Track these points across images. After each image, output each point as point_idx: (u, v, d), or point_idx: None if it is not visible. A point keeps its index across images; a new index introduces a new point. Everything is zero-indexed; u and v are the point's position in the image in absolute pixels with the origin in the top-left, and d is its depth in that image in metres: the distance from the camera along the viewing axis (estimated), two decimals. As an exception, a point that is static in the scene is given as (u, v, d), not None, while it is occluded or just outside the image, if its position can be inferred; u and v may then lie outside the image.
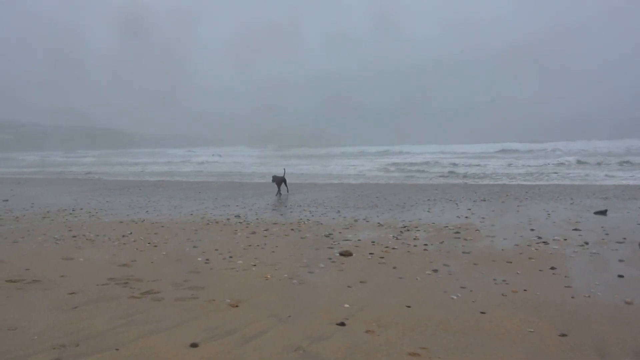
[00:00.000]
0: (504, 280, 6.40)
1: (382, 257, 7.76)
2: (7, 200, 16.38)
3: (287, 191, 18.15)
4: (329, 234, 9.67)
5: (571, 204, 13.92)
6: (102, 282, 6.40)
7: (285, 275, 6.69)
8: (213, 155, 62.16)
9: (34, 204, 15.40)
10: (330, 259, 7.70)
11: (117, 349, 4.22)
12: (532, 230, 9.87)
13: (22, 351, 4.15)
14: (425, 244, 8.67)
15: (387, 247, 8.50)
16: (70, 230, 10.49)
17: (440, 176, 25.90)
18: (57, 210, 13.81)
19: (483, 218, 11.48)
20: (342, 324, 4.81)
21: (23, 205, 15.09)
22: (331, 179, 25.24)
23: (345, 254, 7.92)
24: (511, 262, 7.39)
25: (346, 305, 5.38)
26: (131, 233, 10.14)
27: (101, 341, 4.39)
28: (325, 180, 24.80)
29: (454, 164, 32.90)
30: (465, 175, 25.69)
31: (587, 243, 8.57)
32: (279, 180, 18.32)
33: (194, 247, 8.72)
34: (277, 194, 17.89)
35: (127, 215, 12.82)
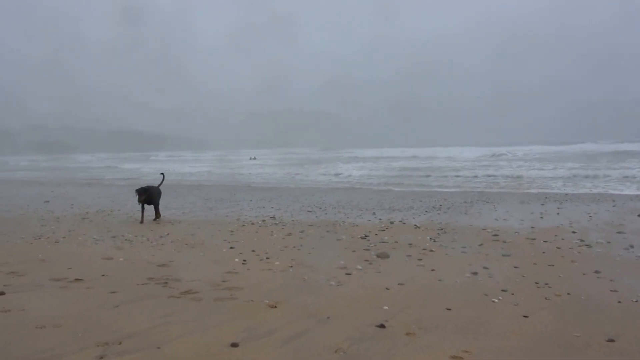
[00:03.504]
0: (547, 284, 6.27)
1: (420, 259, 7.69)
2: (48, 202, 16.71)
3: (157, 215, 12.59)
4: (365, 236, 9.62)
5: (613, 206, 13.65)
6: (141, 281, 6.46)
7: (323, 277, 6.67)
8: (250, 158, 62.72)
9: (74, 205, 15.68)
10: (367, 260, 7.66)
11: (158, 348, 4.25)
12: (574, 232, 9.69)
13: (67, 348, 4.20)
14: (464, 246, 8.57)
15: (424, 249, 8.43)
16: (109, 231, 10.65)
17: (474, 177, 25.56)
18: (95, 212, 14.04)
19: (522, 220, 11.31)
20: (382, 326, 4.77)
21: (63, 206, 15.38)
22: (362, 180, 25.12)
23: (383, 255, 7.87)
24: (553, 265, 7.25)
25: (385, 307, 5.33)
26: (168, 234, 10.24)
27: (143, 339, 4.43)
28: (359, 181, 24.69)
29: (488, 166, 32.54)
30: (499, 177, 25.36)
31: (632, 246, 8.38)
32: (146, 192, 12.33)
33: (231, 248, 8.76)
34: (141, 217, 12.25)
35: (163, 216, 12.94)
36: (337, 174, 29.51)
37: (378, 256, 7.87)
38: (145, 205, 12.34)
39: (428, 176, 26.11)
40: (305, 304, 5.51)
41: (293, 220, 11.90)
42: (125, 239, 9.69)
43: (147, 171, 39.15)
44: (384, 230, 10.27)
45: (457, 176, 25.93)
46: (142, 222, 12.02)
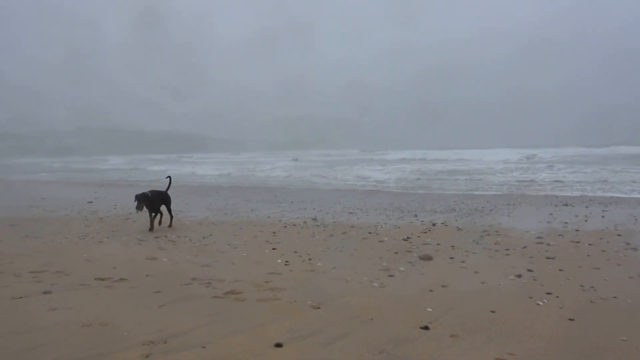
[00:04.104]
0: (592, 287, 6.15)
1: (463, 262, 7.61)
2: (91, 202, 17.03)
3: (171, 218, 11.91)
4: (408, 238, 9.56)
5: (661, 209, 13.28)
6: (185, 281, 6.54)
7: (365, 278, 6.66)
8: (292, 159, 63.06)
9: (117, 205, 15.95)
10: (410, 262, 7.61)
11: (203, 347, 4.28)
12: (619, 235, 9.47)
13: (114, 346, 4.27)
14: (507, 249, 8.44)
15: (467, 251, 8.34)
16: (152, 232, 10.82)
17: (513, 179, 25.11)
18: (138, 213, 14.22)
19: (566, 223, 11.10)
20: (426, 328, 4.73)
21: (106, 206, 15.67)
22: (400, 184, 24.96)
23: (425, 257, 7.82)
24: (598, 269, 7.10)
25: (429, 309, 5.29)
26: (211, 235, 10.35)
27: (188, 339, 4.47)
28: (397, 184, 24.54)
29: (526, 168, 31.99)
30: (543, 182, 24.85)
31: (681, 250, 8.15)
32: (147, 199, 11.22)
33: (273, 249, 8.81)
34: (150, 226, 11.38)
35: (206, 217, 13.10)
36: (375, 176, 29.33)
37: (421, 258, 7.82)
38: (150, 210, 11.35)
39: (467, 179, 25.72)
40: (348, 305, 5.50)
41: (334, 222, 11.90)
42: (169, 240, 9.83)
43: (186, 172, 39.60)
44: (426, 233, 10.19)
45: (496, 179, 25.50)
46: (151, 229, 11.19)
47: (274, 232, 10.58)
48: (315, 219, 12.41)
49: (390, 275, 6.82)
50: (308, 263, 7.71)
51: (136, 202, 11.02)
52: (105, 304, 5.58)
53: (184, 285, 6.39)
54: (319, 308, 5.40)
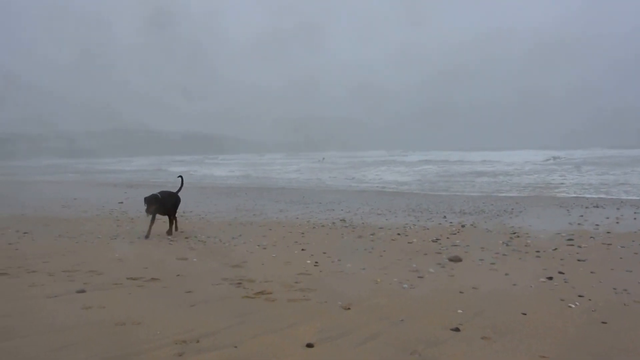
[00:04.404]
0: (625, 290, 6.05)
1: (493, 264, 7.56)
2: (122, 203, 17.26)
3: (175, 228, 10.97)
4: (437, 239, 9.53)
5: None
6: (216, 282, 6.60)
7: (395, 279, 6.65)
8: (320, 160, 63.21)
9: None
10: (439, 264, 7.58)
11: (235, 347, 4.32)
12: (655, 238, 9.32)
13: (147, 345, 4.34)
14: (537, 251, 8.36)
15: (497, 253, 8.28)
16: (182, 232, 10.94)
17: (542, 181, 24.77)
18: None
19: (597, 225, 10.95)
20: (457, 330, 4.71)
21: (137, 207, 15.80)
22: (426, 184, 24.82)
23: (455, 259, 7.77)
24: (631, 271, 6.99)
25: (459, 311, 5.26)
26: (240, 235, 10.42)
27: (220, 338, 4.51)
28: (423, 185, 24.41)
29: (553, 170, 31.54)
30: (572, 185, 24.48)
31: None
32: (157, 201, 10.32)
33: (302, 249, 8.85)
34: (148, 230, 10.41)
35: (235, 218, 13.19)
36: (400, 178, 29.21)
37: (450, 260, 7.78)
38: (158, 215, 10.55)
39: (494, 180, 25.38)
40: (378, 306, 5.50)
41: (363, 223, 11.90)
42: (199, 240, 9.92)
43: (220, 174, 39.86)
44: (455, 234, 10.14)
45: (523, 180, 25.17)
46: (147, 236, 10.19)
47: (303, 233, 10.62)
48: (343, 220, 12.43)
49: (419, 277, 6.81)
50: (337, 264, 7.73)
51: (146, 205, 10.18)
52: (137, 303, 5.65)
53: (215, 285, 6.44)
54: (349, 309, 5.41)
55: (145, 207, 10.17)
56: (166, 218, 10.87)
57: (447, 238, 9.68)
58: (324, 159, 64.99)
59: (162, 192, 10.67)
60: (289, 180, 30.10)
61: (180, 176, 12.13)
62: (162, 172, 43.41)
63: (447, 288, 6.26)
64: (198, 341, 4.43)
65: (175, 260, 8.10)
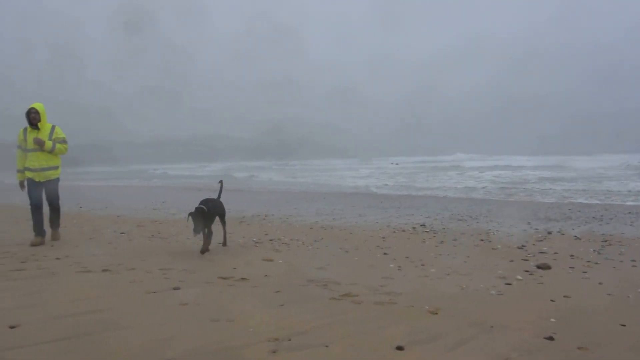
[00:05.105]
0: None
1: (585, 272, 7.35)
2: (207, 206, 17.71)
3: (224, 236, 9.78)
4: (522, 246, 9.35)
5: None
6: (302, 283, 6.73)
7: (482, 286, 6.58)
8: (391, 163, 62.99)
9: (230, 209, 16.51)
10: (527, 271, 7.44)
11: (326, 346, 4.41)
12: None
13: (242, 341, 4.49)
14: (634, 260, 8.06)
15: (588, 261, 8.04)
16: (266, 234, 11.16)
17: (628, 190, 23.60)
18: (251, 216, 14.75)
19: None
20: (551, 338, 4.62)
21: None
22: (504, 189, 24.20)
23: (543, 266, 7.61)
24: None
25: (552, 320, 5.15)
26: (322, 238, 10.56)
27: (310, 337, 4.61)
28: (502, 191, 23.84)
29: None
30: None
31: None
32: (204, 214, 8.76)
33: (385, 254, 8.88)
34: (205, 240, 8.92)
35: (316, 222, 13.35)
36: (472, 184, 28.53)
37: (538, 267, 7.62)
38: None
39: (574, 186, 24.28)
40: (466, 311, 5.47)
41: (444, 228, 11.81)
42: (282, 242, 10.11)
43: (293, 180, 40.30)
44: (541, 241, 9.91)
45: (604, 186, 24.02)
46: (203, 250, 8.85)
47: (384, 237, 10.65)
48: (424, 225, 12.37)
49: (507, 284, 6.71)
50: (421, 268, 7.72)
51: (190, 220, 8.69)
52: (229, 301, 5.85)
53: (301, 286, 6.57)
54: (436, 313, 5.41)
55: (193, 228, 8.65)
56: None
57: (533, 245, 9.48)
58: (397, 163, 64.71)
59: (205, 202, 9.22)
60: (365, 185, 30.08)
61: (221, 181, 10.73)
62: (229, 177, 44.17)
63: (537, 296, 6.15)
64: (290, 339, 4.54)
65: (261, 261, 8.30)
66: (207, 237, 8.87)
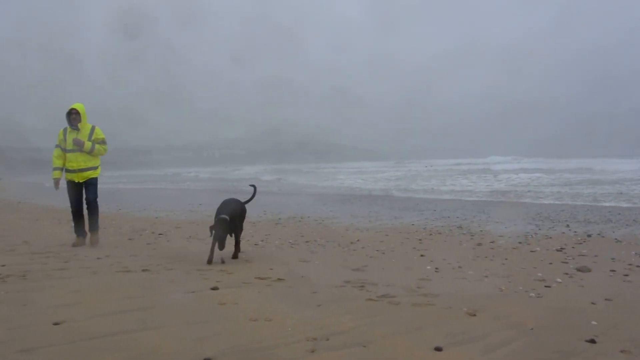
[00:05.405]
0: None
1: (627, 275, 7.19)
2: (243, 208, 17.86)
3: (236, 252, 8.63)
4: (561, 249, 9.21)
5: None
6: (339, 284, 6.73)
7: (521, 288, 6.49)
8: (425, 166, 62.80)
9: (266, 211, 16.66)
10: (566, 273, 7.31)
11: (364, 346, 4.40)
12: None
13: (280, 340, 4.50)
14: (678, 264, 7.89)
15: (630, 264, 7.87)
16: (302, 236, 11.21)
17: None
18: (287, 218, 14.84)
19: None
20: (592, 341, 4.53)
21: (257, 212, 16.39)
22: (540, 192, 23.80)
23: (583, 269, 7.47)
24: None
25: (593, 323, 5.05)
26: (358, 240, 10.56)
27: (349, 337, 4.61)
28: (538, 194, 23.47)
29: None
30: None
31: None
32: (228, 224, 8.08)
33: (421, 255, 8.84)
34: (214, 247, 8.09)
35: (352, 224, 13.37)
36: (503, 187, 28.02)
37: (578, 270, 7.49)
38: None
39: (613, 189, 23.45)
40: (505, 313, 5.40)
41: (481, 231, 11.70)
42: (318, 244, 10.15)
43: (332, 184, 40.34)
44: (580, 244, 9.74)
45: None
46: (210, 260, 8.03)
47: (420, 240, 10.61)
48: (460, 227, 12.28)
49: (546, 286, 6.61)
50: (458, 270, 7.66)
51: (214, 234, 8.00)
52: (267, 301, 5.87)
53: (338, 287, 6.57)
54: (475, 315, 5.35)
55: (218, 243, 7.97)
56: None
57: (573, 248, 9.33)
58: (431, 166, 64.57)
59: (225, 206, 8.46)
60: (401, 188, 29.95)
61: (253, 185, 10.00)
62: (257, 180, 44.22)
63: (578, 298, 6.05)
64: (328, 339, 4.54)
65: (298, 262, 8.34)
66: (220, 243, 8.01)
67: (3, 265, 7.53)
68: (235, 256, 8.55)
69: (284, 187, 34.14)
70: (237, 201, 8.77)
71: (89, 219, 10.01)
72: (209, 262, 7.95)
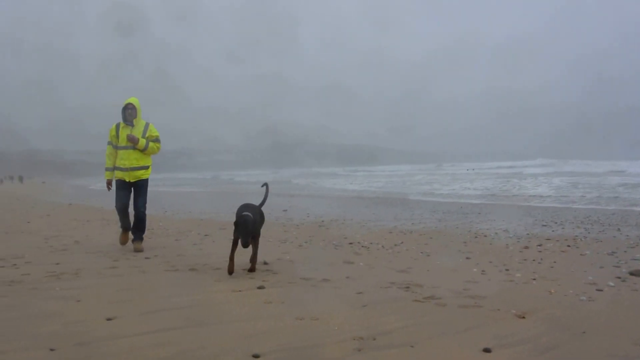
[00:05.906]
0: None
1: (682, 279, 7.00)
2: (286, 211, 18.03)
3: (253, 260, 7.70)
4: (613, 252, 8.97)
5: None
6: (384, 285, 6.70)
7: (571, 291, 6.36)
8: (467, 170, 62.20)
9: (309, 214, 16.74)
10: (619, 277, 7.12)
11: (412, 346, 4.38)
12: None
13: (328, 339, 4.52)
14: None
15: (686, 269, 7.65)
16: (345, 238, 11.20)
17: None
18: (330, 220, 14.86)
19: None
20: (646, 346, 4.42)
21: (300, 215, 16.51)
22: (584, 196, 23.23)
23: (637, 273, 7.25)
24: None
25: (647, 327, 4.94)
26: (402, 242, 10.51)
27: (395, 337, 4.59)
28: (582, 198, 22.93)
29: None
30: None
31: None
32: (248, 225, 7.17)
33: (467, 258, 8.74)
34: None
35: (395, 226, 13.30)
36: (546, 191, 27.29)
37: (632, 274, 7.27)
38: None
39: None
40: (555, 317, 5.30)
41: (528, 234, 11.49)
42: (362, 246, 10.13)
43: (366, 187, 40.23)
44: (633, 247, 9.46)
45: None
46: (232, 271, 7.29)
47: (465, 242, 10.49)
48: (506, 231, 12.10)
49: (598, 290, 6.45)
50: (505, 273, 7.56)
51: (239, 233, 7.23)
52: (313, 300, 5.90)
53: (383, 288, 6.55)
54: (523, 317, 5.27)
55: (241, 240, 7.14)
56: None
57: (625, 252, 9.07)
58: (473, 169, 64.01)
59: (245, 207, 7.82)
60: (445, 192, 29.69)
61: (266, 184, 9.24)
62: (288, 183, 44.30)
63: (632, 303, 5.88)
64: (374, 339, 4.54)
65: (342, 263, 8.35)
66: (235, 249, 7.42)
67: (57, 264, 7.76)
68: (252, 269, 7.60)
69: (323, 191, 34.16)
70: (254, 205, 7.94)
71: (134, 224, 9.45)
72: (230, 272, 7.25)
